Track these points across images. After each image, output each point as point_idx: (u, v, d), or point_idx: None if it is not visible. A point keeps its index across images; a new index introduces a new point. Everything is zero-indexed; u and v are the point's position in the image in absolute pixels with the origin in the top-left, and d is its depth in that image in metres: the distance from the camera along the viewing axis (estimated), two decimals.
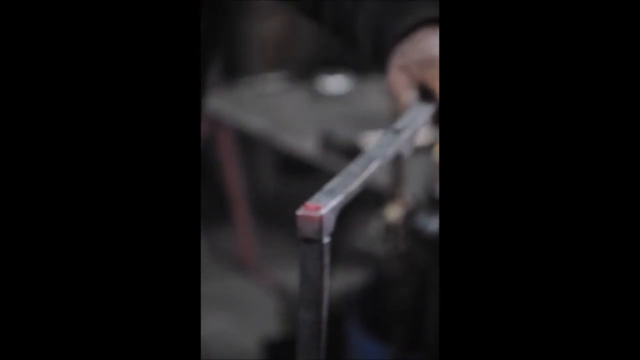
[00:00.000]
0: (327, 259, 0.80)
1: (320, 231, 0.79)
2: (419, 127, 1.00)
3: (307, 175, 3.47)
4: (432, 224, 2.01)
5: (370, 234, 2.86)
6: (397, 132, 0.97)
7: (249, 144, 3.59)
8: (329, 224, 0.79)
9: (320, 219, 0.78)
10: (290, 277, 3.10)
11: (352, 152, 2.59)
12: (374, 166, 0.89)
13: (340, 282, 2.45)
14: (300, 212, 0.79)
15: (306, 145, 2.81)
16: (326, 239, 0.79)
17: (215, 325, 2.93)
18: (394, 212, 2.06)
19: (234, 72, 3.75)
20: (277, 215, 3.66)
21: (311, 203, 0.79)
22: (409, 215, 2.05)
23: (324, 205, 0.79)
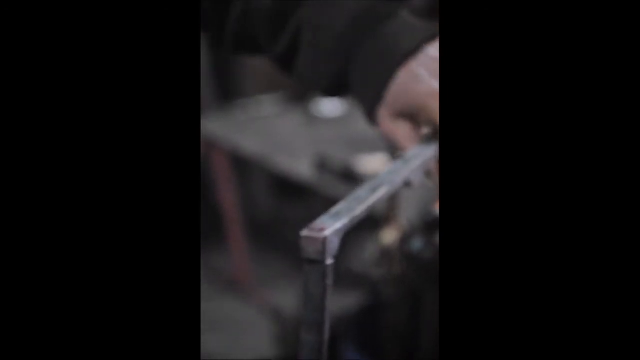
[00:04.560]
0: (330, 281, 0.80)
1: (323, 252, 0.79)
2: (430, 155, 0.97)
3: (302, 198, 3.48)
4: (426, 247, 2.01)
5: (365, 258, 2.86)
6: (406, 160, 0.95)
7: (244, 166, 3.60)
8: (333, 246, 0.80)
9: (323, 240, 0.79)
10: (285, 299, 3.10)
11: (346, 174, 2.60)
12: (381, 192, 0.89)
13: (335, 304, 2.45)
14: (304, 232, 0.79)
15: (301, 167, 2.82)
16: (329, 261, 0.80)
17: (209, 346, 2.93)
18: (389, 236, 2.07)
19: (228, 94, 3.76)
20: (272, 236, 3.66)
21: (315, 224, 0.80)
22: (404, 239, 2.05)
23: (328, 227, 0.80)
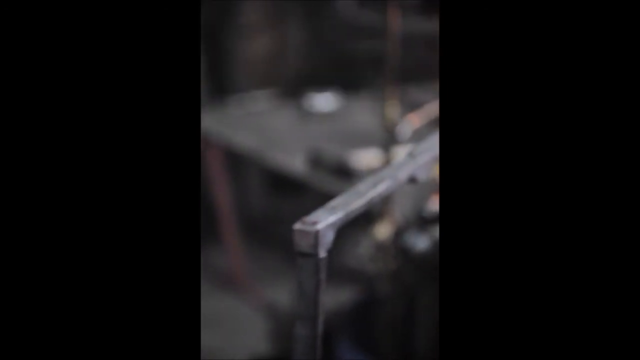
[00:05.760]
0: (323, 274, 0.80)
1: (315, 246, 0.79)
2: (437, 153, 0.97)
3: (296, 193, 3.47)
4: (420, 242, 2.01)
5: (360, 252, 2.86)
6: (413, 156, 0.96)
7: (238, 161, 3.59)
8: (326, 239, 0.79)
9: (315, 234, 0.79)
10: (280, 295, 3.10)
11: (340, 169, 2.59)
12: (382, 187, 0.88)
13: (330, 299, 2.45)
14: (297, 226, 0.79)
15: (295, 163, 2.81)
16: (322, 254, 0.79)
17: (204, 342, 2.92)
18: (383, 231, 2.07)
19: (222, 90, 3.75)
20: (266, 232, 3.65)
21: (309, 218, 0.80)
22: (398, 234, 2.05)
23: (321, 221, 0.79)
